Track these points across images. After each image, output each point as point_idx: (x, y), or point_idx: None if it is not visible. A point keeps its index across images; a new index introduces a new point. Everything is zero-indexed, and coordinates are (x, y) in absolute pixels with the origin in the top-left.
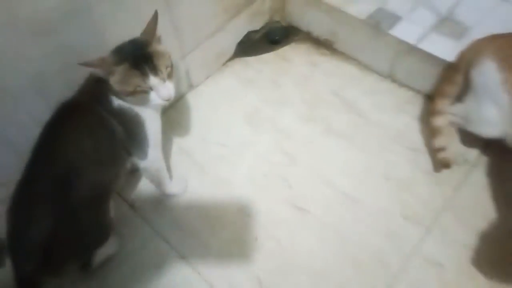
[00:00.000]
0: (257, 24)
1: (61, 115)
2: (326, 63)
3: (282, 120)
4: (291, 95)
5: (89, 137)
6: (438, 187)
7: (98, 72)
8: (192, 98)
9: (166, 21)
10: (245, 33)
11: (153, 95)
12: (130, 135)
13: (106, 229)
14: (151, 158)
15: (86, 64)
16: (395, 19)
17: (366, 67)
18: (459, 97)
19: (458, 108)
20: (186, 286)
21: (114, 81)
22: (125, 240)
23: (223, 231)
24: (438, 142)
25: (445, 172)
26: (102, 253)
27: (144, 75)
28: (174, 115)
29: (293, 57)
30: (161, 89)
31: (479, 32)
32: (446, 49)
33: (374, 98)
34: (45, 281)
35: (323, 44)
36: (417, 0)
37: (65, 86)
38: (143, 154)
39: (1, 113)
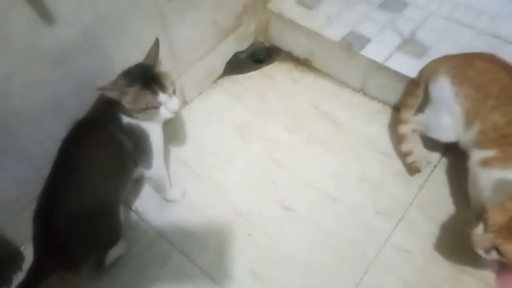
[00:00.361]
0: (243, 45)
1: (76, 132)
2: (306, 79)
3: (269, 131)
4: (276, 108)
5: (102, 150)
6: (405, 185)
7: (113, 94)
8: (187, 113)
9: (164, 45)
10: (233, 53)
11: (162, 110)
12: (137, 148)
13: (118, 231)
14: (156, 168)
15: (103, 89)
16: (365, 40)
17: (341, 82)
18: (420, 108)
19: (420, 117)
20: (188, 280)
21: (126, 101)
22: (131, 242)
23: (220, 230)
24: (405, 147)
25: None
26: (113, 253)
27: (155, 93)
28: (171, 128)
29: (276, 74)
30: (169, 104)
31: (437, 51)
32: (409, 67)
33: (348, 110)
34: (60, 275)
35: (303, 63)
36: (384, 23)
37: (78, 106)
38: (149, 164)
39: (22, 132)
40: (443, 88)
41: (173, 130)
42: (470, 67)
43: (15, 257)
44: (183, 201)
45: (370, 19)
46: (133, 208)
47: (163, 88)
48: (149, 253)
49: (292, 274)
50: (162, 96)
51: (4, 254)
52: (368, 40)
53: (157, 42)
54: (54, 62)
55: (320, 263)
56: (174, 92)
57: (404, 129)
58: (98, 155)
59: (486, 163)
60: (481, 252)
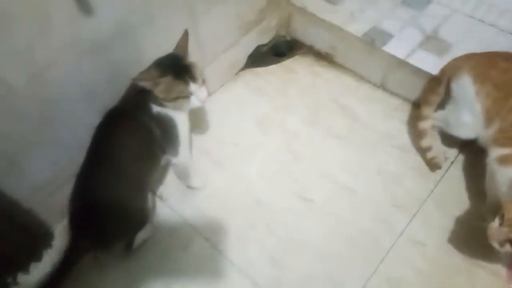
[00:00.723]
0: (265, 39)
1: (109, 120)
2: (327, 74)
3: (288, 124)
4: (296, 102)
5: (133, 138)
6: (422, 180)
7: (146, 84)
8: (208, 104)
9: (192, 37)
10: (255, 46)
11: (193, 99)
12: (165, 136)
13: (147, 215)
14: (182, 155)
15: (137, 79)
16: (387, 36)
17: (361, 77)
18: (441, 105)
19: (440, 114)
20: (210, 263)
21: (159, 90)
22: (156, 226)
23: (240, 218)
24: (425, 142)
25: (429, 169)
26: (140, 236)
27: (186, 83)
28: (194, 119)
29: (297, 68)
30: (199, 94)
31: (458, 50)
32: (430, 64)
33: (368, 105)
34: (94, 254)
35: (324, 57)
36: (406, 20)
37: (110, 95)
38: (176, 152)
39: (58, 118)
40: (465, 86)
41: (196, 121)
42: (492, 66)
43: (46, 235)
44: (205, 189)
45: (393, 15)
46: (158, 194)
47: (193, 78)
48: (172, 237)
49: (309, 262)
50: (192, 86)
51: (36, 232)
52: (390, 36)
53: (186, 34)
54: (91, 53)
55: (336, 252)
56: (203, 82)
57: (424, 125)
58: (129, 142)
59: (503, 160)
60: (496, 245)
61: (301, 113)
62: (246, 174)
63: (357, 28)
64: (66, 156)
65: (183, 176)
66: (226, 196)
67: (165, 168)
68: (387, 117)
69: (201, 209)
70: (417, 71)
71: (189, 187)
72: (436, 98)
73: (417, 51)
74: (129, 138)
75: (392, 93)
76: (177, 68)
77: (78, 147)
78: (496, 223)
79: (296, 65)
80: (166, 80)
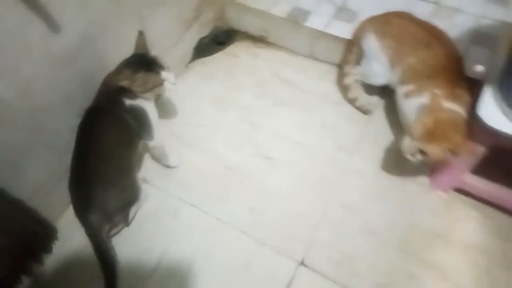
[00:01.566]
0: (205, 32)
1: (89, 117)
2: (264, 53)
3: (241, 100)
4: (243, 80)
5: (112, 128)
6: (355, 125)
7: (124, 83)
8: (168, 95)
9: None
10: (197, 40)
11: (166, 84)
12: (139, 124)
13: (137, 189)
14: (156, 138)
15: (117, 81)
16: (307, 14)
17: (293, 51)
18: (358, 62)
19: (358, 69)
20: (198, 223)
21: (136, 85)
22: (147, 204)
23: (217, 183)
24: (351, 94)
25: (359, 115)
26: (133, 210)
27: (157, 73)
28: (159, 109)
29: (238, 52)
30: (169, 77)
31: (364, 15)
32: (344, 30)
33: (302, 73)
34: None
35: (259, 40)
36: None
37: (85, 98)
38: (150, 136)
39: (47, 124)
40: (371, 43)
41: (161, 111)
42: (388, 24)
43: (52, 229)
44: (182, 166)
45: None
46: (142, 178)
47: (162, 67)
48: (162, 209)
49: (279, 205)
50: (163, 74)
51: (44, 227)
52: (309, 13)
53: (142, 34)
54: (63, 64)
55: (299, 194)
56: (167, 68)
57: (348, 80)
58: (109, 132)
59: (407, 94)
60: (409, 156)
61: (249, 89)
62: (214, 148)
63: (281, 10)
64: (57, 157)
65: (161, 157)
66: (201, 169)
67: (143, 155)
68: (320, 81)
69: (182, 183)
70: (335, 38)
71: (167, 166)
72: (353, 57)
73: (332, 22)
74: (109, 129)
75: (320, 60)
76: (145, 63)
77: (65, 148)
78: (407, 139)
79: (237, 50)
80: (140, 76)
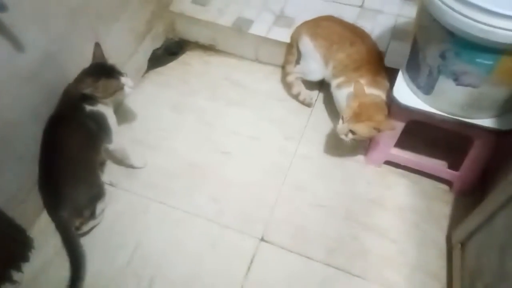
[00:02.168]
0: (158, 43)
1: (52, 124)
2: (214, 60)
3: (196, 103)
4: (196, 86)
5: (74, 133)
6: (299, 117)
7: (87, 90)
8: (128, 104)
9: None
10: (151, 51)
11: (126, 88)
12: (100, 128)
13: (101, 187)
14: (115, 141)
15: (80, 89)
16: (250, 22)
17: (240, 57)
18: (297, 61)
19: (298, 68)
20: (167, 217)
21: (98, 91)
22: (117, 205)
23: (181, 179)
24: (294, 90)
25: (302, 108)
26: (100, 206)
27: (117, 78)
28: (121, 118)
29: (190, 61)
30: (128, 82)
31: (300, 21)
32: (284, 35)
33: (250, 76)
34: (74, 222)
35: (209, 48)
36: (260, 7)
37: (49, 110)
38: (109, 139)
39: (15, 138)
40: (306, 44)
41: (121, 120)
42: (319, 26)
43: (28, 238)
44: (147, 168)
45: (250, 5)
46: (108, 182)
47: (120, 73)
48: (132, 209)
49: (237, 192)
50: (122, 79)
51: (20, 235)
52: (252, 22)
53: (97, 45)
54: (28, 80)
55: (255, 181)
56: (126, 74)
57: (290, 78)
58: (72, 137)
59: (339, 85)
60: (343, 136)
61: (203, 94)
62: (176, 148)
63: (226, 20)
64: (26, 168)
65: (124, 159)
66: (165, 168)
67: (105, 159)
68: (266, 81)
69: (148, 183)
70: (277, 42)
71: (131, 167)
72: (292, 58)
73: (272, 28)
74: (72, 134)
75: (264, 63)
76: (104, 71)
77: (33, 159)
78: (340, 123)
79: (189, 59)
80: (102, 82)
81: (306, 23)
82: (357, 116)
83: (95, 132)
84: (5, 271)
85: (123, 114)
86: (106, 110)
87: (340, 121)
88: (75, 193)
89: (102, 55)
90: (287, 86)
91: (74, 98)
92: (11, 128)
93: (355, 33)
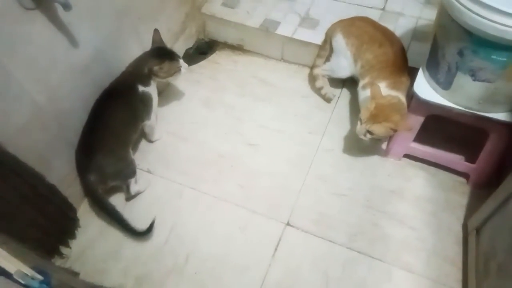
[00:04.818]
0: (190, 43)
1: (106, 96)
2: (242, 59)
3: (226, 99)
4: (226, 83)
5: (122, 109)
6: (323, 113)
7: (155, 69)
8: (163, 99)
9: (140, 50)
10: (184, 50)
11: (182, 69)
12: (145, 107)
13: (131, 164)
14: (152, 118)
15: (150, 67)
16: (276, 23)
17: (267, 56)
18: (327, 59)
19: (327, 65)
20: (199, 202)
21: (162, 71)
22: (154, 189)
23: (212, 168)
24: (318, 83)
25: (325, 105)
26: (135, 188)
27: (177, 61)
28: (159, 111)
29: (219, 60)
30: (184, 64)
31: (325, 22)
32: (309, 36)
33: (276, 74)
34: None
35: (237, 48)
36: (286, 10)
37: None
38: (149, 117)
39: (65, 124)
40: (339, 41)
41: (159, 113)
42: (352, 25)
43: (75, 217)
44: (180, 157)
45: (276, 8)
46: (146, 170)
47: (178, 56)
48: (167, 193)
49: (264, 180)
50: (181, 62)
51: (72, 212)
52: (278, 23)
53: (156, 31)
54: (81, 73)
55: (280, 171)
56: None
57: (317, 71)
58: (119, 111)
59: (363, 87)
60: (362, 136)
61: (232, 90)
62: (206, 140)
63: (254, 22)
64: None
65: (150, 134)
66: (197, 158)
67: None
68: (291, 79)
69: (182, 171)
70: (301, 43)
71: (150, 141)
72: (324, 52)
73: (298, 29)
74: (119, 109)
75: (290, 62)
76: (166, 53)
77: None
78: (359, 124)
79: (218, 58)
80: (167, 63)
81: (342, 21)
82: (374, 118)
83: (140, 112)
84: (56, 244)
85: (160, 107)
86: (154, 93)
87: (359, 122)
88: (105, 161)
89: (161, 40)
90: (312, 79)
91: (131, 77)
92: (65, 116)
93: (385, 36)
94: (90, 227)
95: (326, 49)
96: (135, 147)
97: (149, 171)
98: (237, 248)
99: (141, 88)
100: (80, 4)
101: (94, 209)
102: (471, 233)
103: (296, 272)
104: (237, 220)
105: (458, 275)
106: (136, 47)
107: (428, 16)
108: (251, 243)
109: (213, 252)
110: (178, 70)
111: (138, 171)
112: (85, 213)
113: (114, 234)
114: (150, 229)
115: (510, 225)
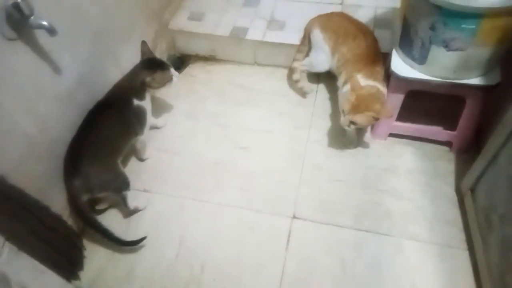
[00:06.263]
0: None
1: (99, 107)
2: (217, 68)
3: (208, 109)
4: (206, 93)
5: (115, 121)
6: (305, 108)
7: (148, 80)
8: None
9: (117, 70)
10: None
11: (174, 77)
12: (139, 121)
13: (119, 176)
14: (145, 133)
15: (141, 78)
16: (245, 30)
17: (240, 62)
18: (307, 54)
19: (306, 60)
20: (203, 211)
21: (155, 81)
22: (155, 207)
23: (209, 176)
24: (295, 76)
25: (305, 99)
26: (132, 204)
27: (169, 71)
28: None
29: (194, 73)
30: (175, 73)
31: (290, 22)
32: (277, 37)
33: (252, 78)
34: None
35: (209, 59)
36: (252, 15)
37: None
38: (142, 132)
39: (56, 153)
40: (317, 35)
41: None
42: (329, 20)
43: (82, 245)
44: (174, 171)
45: (242, 15)
46: (143, 189)
47: (169, 65)
48: (169, 209)
49: (261, 178)
50: (172, 70)
51: (79, 241)
52: (247, 29)
53: (144, 42)
54: (67, 100)
55: (275, 168)
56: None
57: (296, 64)
58: (112, 123)
59: (343, 80)
60: (346, 127)
61: (213, 99)
62: (198, 150)
63: (223, 31)
64: None
65: (140, 150)
66: (192, 169)
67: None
68: (268, 81)
69: (179, 184)
70: (272, 44)
71: (140, 160)
72: (304, 47)
73: (267, 32)
74: (113, 120)
75: (264, 65)
76: (157, 63)
77: None
78: (342, 116)
79: (193, 71)
80: (158, 74)
81: (319, 17)
82: (356, 108)
83: (133, 125)
84: (68, 278)
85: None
86: (148, 106)
87: (342, 114)
88: (91, 169)
89: (150, 51)
90: (290, 71)
91: (125, 91)
92: (57, 145)
93: (359, 29)
94: (96, 255)
95: (305, 44)
96: (124, 164)
97: (145, 191)
98: (249, 248)
99: (136, 102)
100: (58, 30)
101: (97, 237)
102: (466, 194)
103: (311, 261)
104: (244, 222)
105: (462, 235)
106: (114, 68)
107: (385, 4)
108: (262, 241)
109: (227, 257)
110: (170, 79)
111: (134, 192)
112: (89, 243)
113: (122, 258)
114: (138, 241)
115: (505, 177)
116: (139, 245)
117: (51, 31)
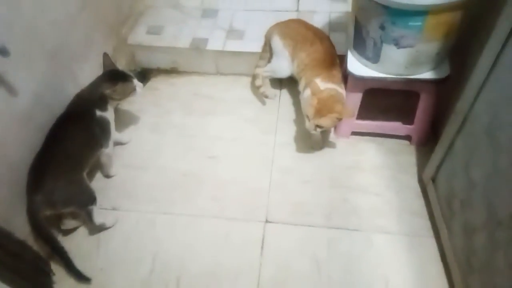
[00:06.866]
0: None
1: (61, 121)
2: (180, 80)
3: (173, 121)
4: (170, 106)
5: (79, 133)
6: (269, 113)
7: (108, 92)
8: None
9: (76, 88)
10: None
11: (137, 89)
12: (103, 133)
13: (85, 189)
14: (110, 146)
15: (103, 90)
16: (205, 40)
17: (203, 73)
18: (269, 60)
19: (268, 66)
20: (176, 224)
21: (116, 93)
22: (125, 224)
23: (179, 188)
24: (257, 82)
25: (269, 105)
26: (99, 220)
27: (131, 82)
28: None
29: (158, 86)
30: (139, 83)
31: (248, 31)
32: (237, 46)
33: (216, 87)
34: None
35: (171, 71)
36: (211, 26)
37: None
38: (107, 144)
39: (16, 178)
40: (277, 42)
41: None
42: (287, 27)
43: (51, 271)
44: (143, 186)
45: (201, 27)
46: (111, 207)
47: (132, 77)
48: (140, 225)
49: (233, 185)
50: (135, 82)
51: (46, 266)
52: (206, 40)
53: (106, 54)
54: (25, 121)
55: (247, 174)
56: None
57: (258, 70)
58: (76, 135)
59: (303, 86)
60: (313, 131)
61: (178, 111)
62: (165, 164)
63: (183, 42)
64: None
65: (107, 165)
66: (161, 183)
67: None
68: (231, 89)
69: (149, 199)
70: (233, 53)
71: (107, 176)
72: (265, 54)
73: (227, 42)
74: (77, 133)
75: (226, 74)
76: (118, 76)
77: None
78: (306, 121)
79: (156, 84)
80: (120, 85)
81: (278, 24)
82: (319, 112)
83: (97, 136)
84: None
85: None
86: (111, 118)
87: (306, 119)
88: (55, 184)
89: (112, 63)
90: (253, 77)
91: (87, 102)
92: (17, 170)
93: (316, 35)
94: (67, 280)
95: (266, 51)
96: (90, 181)
97: (114, 209)
98: (225, 257)
99: (98, 113)
100: (11, 50)
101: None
102: (428, 184)
103: (287, 264)
104: (218, 232)
105: (427, 224)
106: (73, 86)
107: (338, 9)
108: (237, 249)
109: (203, 268)
110: (133, 90)
111: (102, 211)
112: (58, 268)
113: (94, 281)
114: (87, 278)
115: (461, 163)
116: (110, 265)
117: (3, 52)
